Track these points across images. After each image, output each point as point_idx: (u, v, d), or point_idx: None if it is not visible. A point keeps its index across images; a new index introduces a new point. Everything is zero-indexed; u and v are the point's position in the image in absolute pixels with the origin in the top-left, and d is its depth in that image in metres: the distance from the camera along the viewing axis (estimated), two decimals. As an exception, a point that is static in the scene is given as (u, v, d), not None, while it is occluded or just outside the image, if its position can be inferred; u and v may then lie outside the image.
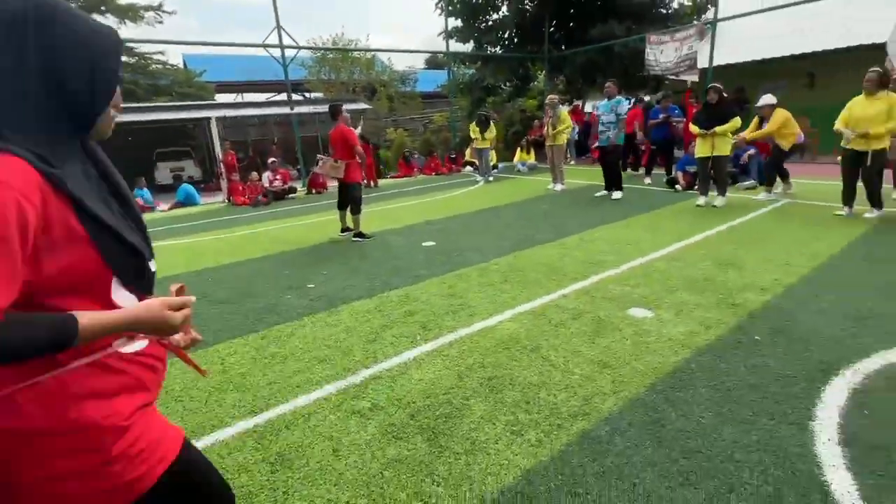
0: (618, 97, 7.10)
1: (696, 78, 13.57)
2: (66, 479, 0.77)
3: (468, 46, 16.13)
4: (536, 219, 6.26)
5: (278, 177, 10.43)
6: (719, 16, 10.04)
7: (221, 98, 21.00)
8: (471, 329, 3.02)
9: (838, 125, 5.09)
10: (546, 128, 8.18)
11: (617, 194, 7.23)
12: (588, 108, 14.62)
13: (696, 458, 1.80)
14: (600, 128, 7.16)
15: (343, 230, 5.95)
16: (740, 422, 1.99)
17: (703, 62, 10.58)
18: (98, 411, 0.79)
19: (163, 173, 15.38)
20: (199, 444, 2.04)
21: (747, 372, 2.35)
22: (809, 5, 9.02)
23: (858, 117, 4.90)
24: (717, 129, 5.90)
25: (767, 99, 6.28)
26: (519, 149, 12.14)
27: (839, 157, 5.28)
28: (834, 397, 2.11)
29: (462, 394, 2.31)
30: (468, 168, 12.56)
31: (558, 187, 8.41)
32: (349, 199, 5.69)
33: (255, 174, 10.45)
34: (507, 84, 17.75)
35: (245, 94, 23.44)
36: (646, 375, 2.37)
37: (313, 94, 19.70)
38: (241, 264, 5.00)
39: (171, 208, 10.62)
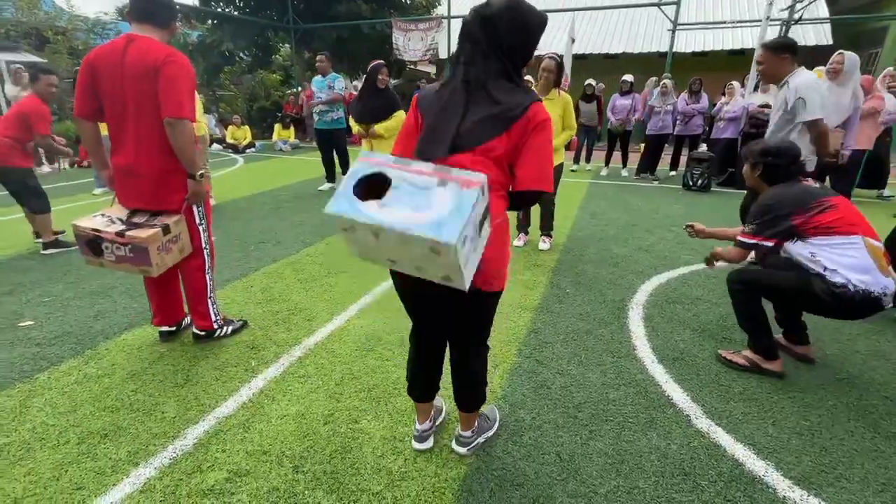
0: (333, 73, 6.01)
1: (433, 70, 15.08)
2: None
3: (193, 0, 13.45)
4: (324, 200, 5.78)
5: None
6: (453, 13, 11.29)
7: None
8: (316, 337, 2.53)
9: None
10: None
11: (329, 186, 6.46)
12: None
13: (587, 408, 1.98)
14: (320, 107, 5.94)
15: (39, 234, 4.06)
16: (596, 365, 2.31)
17: (443, 54, 11.81)
18: None
19: None
20: None
21: (577, 320, 2.76)
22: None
23: None
24: (377, 126, 4.19)
25: None
26: (279, 126, 11.00)
27: None
28: (636, 327, 2.69)
29: (346, 417, 1.91)
30: (215, 146, 10.66)
31: None
32: (17, 191, 3.80)
33: None
34: (247, 53, 15.73)
35: None
36: (510, 343, 2.48)
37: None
38: None
39: None
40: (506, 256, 1.42)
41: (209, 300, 2.38)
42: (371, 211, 1.04)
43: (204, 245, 2.32)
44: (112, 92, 1.98)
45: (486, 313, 1.52)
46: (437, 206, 1.03)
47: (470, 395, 1.63)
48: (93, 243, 2.06)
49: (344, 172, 6.59)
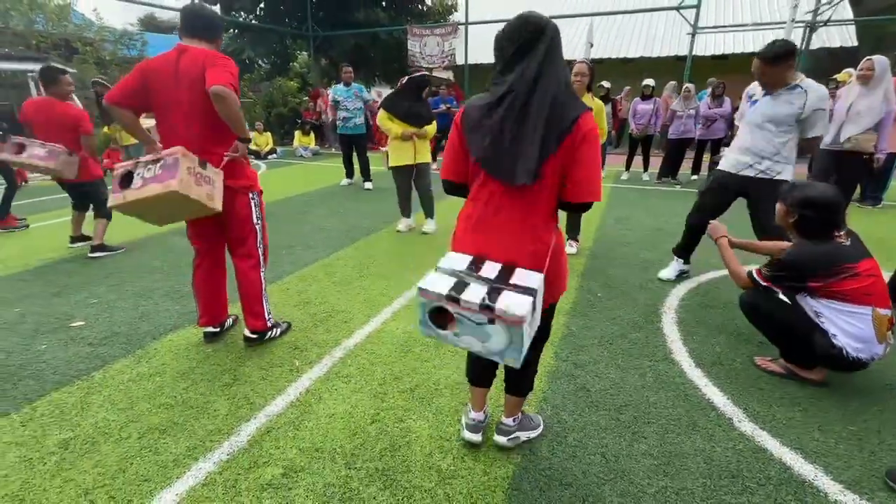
0: (354, 83, 6.87)
1: (449, 75, 15.18)
2: None
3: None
4: (348, 205, 5.89)
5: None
6: (470, 19, 11.39)
7: None
8: (355, 339, 2.59)
9: None
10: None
11: (368, 184, 7.04)
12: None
13: (628, 411, 2.00)
14: (344, 114, 6.74)
15: (76, 239, 4.24)
16: (633, 368, 2.32)
17: (460, 60, 11.90)
18: None
19: None
20: None
21: (611, 324, 2.77)
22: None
23: None
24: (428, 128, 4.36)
25: None
26: (299, 132, 11.18)
27: None
28: (670, 331, 2.70)
29: (393, 416, 1.96)
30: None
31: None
32: (88, 198, 4.08)
33: None
34: (265, 61, 16.07)
35: None
36: (546, 346, 2.48)
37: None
38: None
39: None
40: (563, 267, 1.49)
41: (264, 298, 2.45)
42: (451, 337, 1.32)
43: (258, 244, 2.41)
44: (166, 99, 2.09)
45: (546, 320, 1.60)
46: (496, 340, 1.25)
47: (521, 380, 1.69)
48: (126, 176, 2.03)
49: (363, 174, 7.11)
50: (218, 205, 2.13)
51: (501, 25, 1.36)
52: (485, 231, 1.42)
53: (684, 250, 3.43)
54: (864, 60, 4.34)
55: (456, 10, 15.42)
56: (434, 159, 9.19)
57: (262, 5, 14.11)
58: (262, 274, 2.45)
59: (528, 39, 1.29)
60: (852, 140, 4.39)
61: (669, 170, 7.45)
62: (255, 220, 2.35)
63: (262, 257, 2.44)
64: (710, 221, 2.64)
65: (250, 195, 2.32)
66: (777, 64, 2.69)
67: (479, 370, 1.74)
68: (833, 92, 5.95)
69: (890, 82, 4.32)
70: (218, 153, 2.16)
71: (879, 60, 4.23)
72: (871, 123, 4.30)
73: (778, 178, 2.83)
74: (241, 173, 2.26)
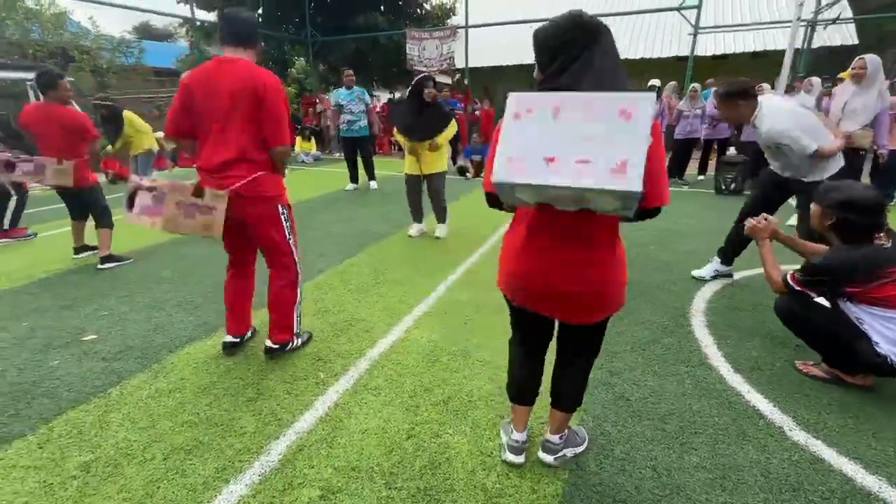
0: (356, 87, 6.89)
1: (448, 80, 15.16)
2: None
3: (212, 16, 13.74)
4: (355, 210, 5.80)
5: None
6: (470, 22, 11.36)
7: None
8: (378, 348, 2.50)
9: None
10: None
11: (373, 184, 7.15)
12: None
13: (673, 420, 1.92)
14: (349, 117, 6.76)
15: (79, 249, 4.12)
16: (670, 375, 2.24)
17: (459, 63, 11.86)
18: None
19: None
20: None
21: (640, 328, 2.70)
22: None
23: None
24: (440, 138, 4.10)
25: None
26: (300, 138, 11.10)
27: None
28: (702, 336, 2.62)
29: (429, 431, 1.87)
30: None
31: None
32: (88, 207, 3.92)
33: None
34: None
35: None
36: (577, 354, 2.43)
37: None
38: None
39: None
40: (625, 275, 1.40)
41: (296, 312, 2.40)
42: (546, 173, 1.02)
43: (297, 260, 2.36)
44: (204, 106, 2.05)
45: (604, 331, 1.53)
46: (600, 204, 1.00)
47: (570, 393, 1.60)
48: (132, 196, 2.25)
49: (369, 177, 7.13)
50: (216, 232, 2.11)
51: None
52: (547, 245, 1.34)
53: (728, 251, 3.35)
54: (856, 59, 4.33)
55: (455, 14, 15.40)
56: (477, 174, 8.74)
57: (259, 11, 14.03)
58: (299, 289, 2.40)
59: (589, 37, 1.20)
60: (850, 136, 4.36)
61: (676, 170, 7.40)
62: (287, 235, 2.29)
63: (298, 274, 2.38)
64: (749, 219, 2.53)
65: (280, 208, 2.24)
66: (725, 100, 2.79)
67: (523, 386, 1.65)
68: (828, 91, 5.98)
69: (883, 80, 4.31)
70: (255, 157, 2.11)
71: (871, 59, 4.23)
72: (868, 120, 4.30)
73: (808, 179, 2.76)
74: (267, 182, 2.17)
